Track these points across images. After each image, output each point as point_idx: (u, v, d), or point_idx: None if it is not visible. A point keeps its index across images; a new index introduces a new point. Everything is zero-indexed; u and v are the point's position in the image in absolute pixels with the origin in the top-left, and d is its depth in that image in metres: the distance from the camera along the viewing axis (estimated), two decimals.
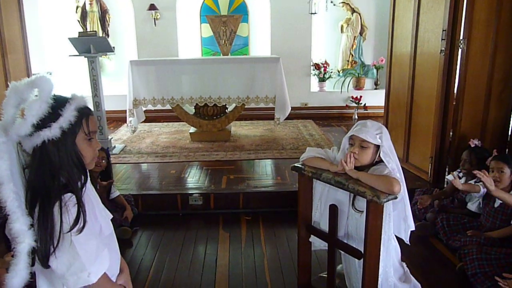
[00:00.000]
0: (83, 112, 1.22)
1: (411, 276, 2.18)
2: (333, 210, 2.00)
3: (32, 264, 1.16)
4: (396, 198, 1.77)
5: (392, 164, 1.86)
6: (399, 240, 2.08)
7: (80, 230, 1.17)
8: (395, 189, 1.73)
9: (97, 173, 3.24)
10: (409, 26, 3.97)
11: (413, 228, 2.03)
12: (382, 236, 1.84)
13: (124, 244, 3.05)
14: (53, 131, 1.13)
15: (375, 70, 7.21)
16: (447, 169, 3.75)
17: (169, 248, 3.02)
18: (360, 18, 7.07)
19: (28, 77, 1.18)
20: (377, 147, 1.92)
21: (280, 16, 6.92)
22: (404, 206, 1.95)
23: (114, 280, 1.39)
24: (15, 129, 1.12)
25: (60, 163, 1.17)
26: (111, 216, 1.43)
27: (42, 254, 1.15)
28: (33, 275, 1.20)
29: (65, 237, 1.15)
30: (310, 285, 2.35)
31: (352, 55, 7.20)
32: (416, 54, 3.89)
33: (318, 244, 2.24)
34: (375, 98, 6.89)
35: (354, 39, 7.14)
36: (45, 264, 1.16)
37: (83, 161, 1.24)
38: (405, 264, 2.18)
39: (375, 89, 7.27)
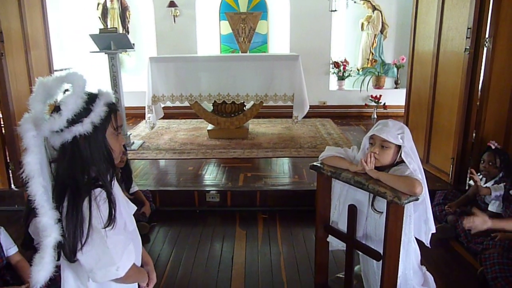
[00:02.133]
0: (112, 107, 1.23)
1: (430, 279, 2.14)
2: (352, 211, 1.97)
3: (58, 258, 1.17)
4: (417, 199, 1.73)
5: (414, 165, 1.82)
6: (419, 243, 2.04)
7: (112, 225, 1.17)
8: (416, 190, 1.69)
9: (119, 169, 3.28)
10: (432, 23, 3.88)
11: (434, 231, 1.98)
12: (402, 238, 1.80)
13: (142, 239, 3.05)
14: (85, 126, 1.14)
15: (395, 69, 7.09)
16: (469, 171, 3.65)
17: (186, 244, 3.04)
18: (381, 16, 6.96)
19: (50, 73, 1.19)
20: (398, 147, 1.88)
21: (300, 13, 6.87)
22: (426, 208, 1.91)
23: None
24: (49, 124, 1.12)
25: (91, 158, 1.17)
26: (135, 208, 1.44)
27: (69, 249, 1.15)
28: (57, 269, 1.20)
29: (95, 232, 1.15)
30: (327, 285, 2.33)
31: (372, 54, 7.10)
32: (439, 52, 3.80)
33: (336, 244, 2.21)
34: (395, 97, 6.79)
35: (374, 37, 7.03)
36: (72, 259, 1.17)
37: (112, 156, 1.25)
38: (425, 267, 2.14)
39: (395, 88, 7.16)
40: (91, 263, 1.18)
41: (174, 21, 6.95)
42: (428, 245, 2.02)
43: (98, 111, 1.16)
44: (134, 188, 3.40)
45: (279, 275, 2.62)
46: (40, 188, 1.11)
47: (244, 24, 6.97)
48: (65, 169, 1.17)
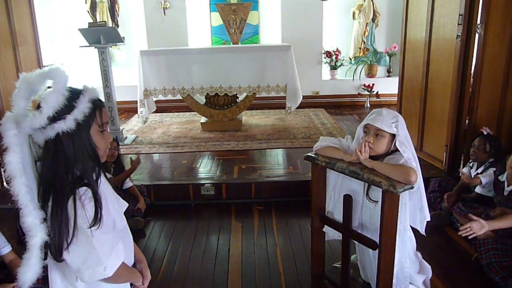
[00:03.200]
0: (96, 104, 1.19)
1: (426, 267, 2.15)
2: (348, 200, 1.96)
3: (45, 258, 1.15)
4: (412, 188, 1.73)
5: (408, 154, 1.82)
6: (414, 231, 2.05)
7: (98, 225, 1.15)
8: (411, 178, 1.69)
9: (110, 163, 3.26)
10: (424, 11, 3.87)
11: (429, 219, 1.99)
12: (398, 227, 1.81)
13: (137, 234, 3.06)
14: (68, 123, 1.11)
15: (387, 57, 7.08)
16: (462, 158, 3.68)
17: (182, 238, 3.03)
18: (373, 4, 6.93)
19: (40, 69, 1.16)
20: (393, 136, 1.88)
21: (291, 3, 6.82)
22: (420, 196, 1.92)
23: None
24: (29, 122, 1.09)
25: (75, 156, 1.14)
26: (126, 205, 1.42)
27: (55, 248, 1.13)
28: (45, 269, 1.18)
29: (81, 232, 1.13)
30: (324, 275, 2.33)
31: (364, 42, 7.08)
32: (431, 39, 3.79)
33: (332, 234, 2.21)
34: (387, 86, 6.79)
35: (366, 26, 7.00)
36: (58, 258, 1.15)
37: (98, 153, 1.22)
38: (419, 253, 2.15)
39: (388, 76, 7.16)
40: (78, 263, 1.16)
41: (164, 13, 6.86)
42: (424, 233, 2.03)
43: (82, 108, 1.14)
44: (128, 183, 3.38)
45: (276, 266, 2.63)
46: (23, 188, 1.09)
47: (235, 15, 6.90)
48: (49, 168, 1.14)
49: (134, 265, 1.42)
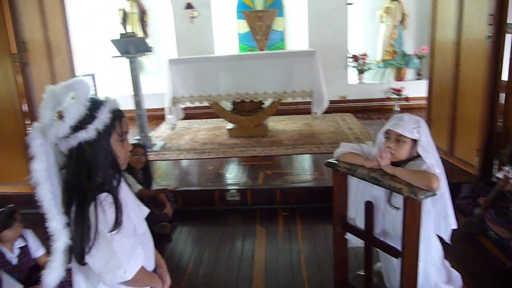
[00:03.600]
0: (117, 114, 1.25)
1: (455, 277, 2.08)
2: (369, 207, 1.94)
3: (69, 261, 1.20)
4: (435, 194, 1.69)
5: (431, 159, 1.78)
6: (442, 239, 1.99)
7: (118, 229, 1.19)
8: (433, 185, 1.65)
9: (139, 170, 3.34)
10: (452, 11, 3.77)
11: (454, 227, 1.93)
12: (422, 235, 1.77)
13: (164, 239, 3.13)
14: (89, 133, 1.17)
15: (417, 60, 6.91)
16: (495, 163, 3.53)
17: (207, 244, 3.07)
18: (400, 6, 6.80)
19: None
20: (414, 141, 1.85)
21: (316, 8, 6.78)
22: (445, 203, 1.87)
23: None
24: (54, 131, 1.16)
25: (96, 164, 1.20)
26: (147, 212, 1.46)
27: (77, 252, 1.19)
28: (69, 272, 1.24)
29: (102, 236, 1.18)
30: (347, 282, 2.30)
31: (392, 45, 6.95)
32: (461, 41, 3.69)
33: (354, 241, 2.19)
34: (417, 89, 6.61)
35: (394, 28, 6.87)
36: (81, 262, 1.20)
37: (118, 161, 1.27)
38: (448, 262, 2.09)
39: (418, 79, 6.98)
40: (99, 266, 1.21)
41: (192, 22, 6.99)
42: (449, 242, 1.97)
43: (103, 118, 1.19)
44: (155, 189, 3.45)
45: (300, 273, 2.62)
46: (47, 194, 1.16)
47: (261, 22, 6.95)
48: (72, 175, 1.20)
49: (154, 270, 1.46)
